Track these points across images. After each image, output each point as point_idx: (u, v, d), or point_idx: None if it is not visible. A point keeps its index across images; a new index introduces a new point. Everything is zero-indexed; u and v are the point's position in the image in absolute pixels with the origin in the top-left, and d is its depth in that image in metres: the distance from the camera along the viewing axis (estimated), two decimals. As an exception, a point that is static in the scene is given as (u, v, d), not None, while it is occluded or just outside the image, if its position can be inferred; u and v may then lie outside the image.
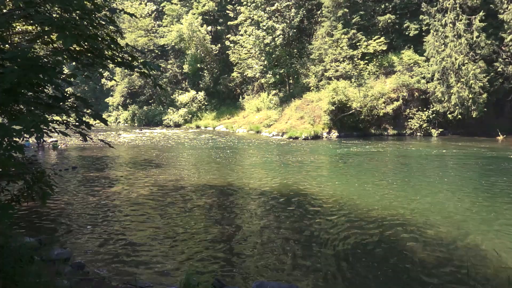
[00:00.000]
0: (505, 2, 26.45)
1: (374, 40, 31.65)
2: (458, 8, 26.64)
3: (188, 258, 6.51)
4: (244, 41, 38.34)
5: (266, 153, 20.42)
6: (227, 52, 42.51)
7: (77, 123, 4.38)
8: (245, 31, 38.90)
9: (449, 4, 26.93)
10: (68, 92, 4.56)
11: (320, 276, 5.91)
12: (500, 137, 26.55)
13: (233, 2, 44.51)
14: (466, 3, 26.60)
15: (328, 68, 32.57)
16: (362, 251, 6.80)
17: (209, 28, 45.93)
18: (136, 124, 48.55)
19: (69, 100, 4.23)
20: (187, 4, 48.98)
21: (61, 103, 4.02)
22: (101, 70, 4.71)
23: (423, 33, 30.03)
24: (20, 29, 5.91)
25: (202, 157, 19.35)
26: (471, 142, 24.22)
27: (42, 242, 6.47)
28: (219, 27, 47.62)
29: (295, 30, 35.60)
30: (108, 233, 7.72)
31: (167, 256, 6.58)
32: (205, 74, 45.95)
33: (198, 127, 42.03)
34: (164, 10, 50.16)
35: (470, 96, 25.91)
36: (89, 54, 4.15)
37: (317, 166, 16.09)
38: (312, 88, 33.91)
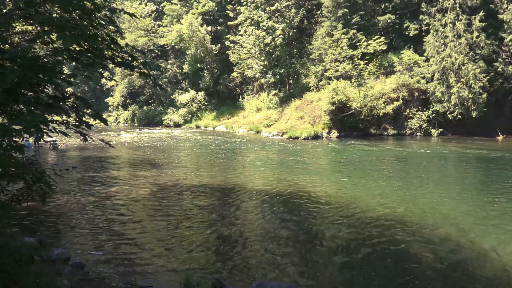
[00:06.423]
0: (505, 2, 26.43)
1: (374, 40, 31.61)
2: (458, 8, 26.61)
3: (188, 258, 6.52)
4: (244, 41, 38.30)
5: (266, 153, 20.42)
6: (227, 52, 42.45)
7: (77, 123, 4.38)
8: (245, 31, 38.84)
9: (449, 4, 26.91)
10: (68, 92, 4.56)
11: (320, 276, 5.91)
12: (500, 137, 26.52)
13: (233, 2, 44.46)
14: (466, 3, 26.57)
15: (328, 68, 32.54)
16: (362, 251, 6.80)
17: (209, 28, 45.89)
18: (136, 124, 48.54)
19: (69, 100, 4.23)
20: (187, 4, 48.94)
21: (61, 103, 4.01)
22: (101, 70, 4.71)
23: (423, 33, 29.98)
24: (20, 29, 5.91)
25: (202, 157, 19.35)
26: (471, 142, 24.20)
27: (42, 242, 6.47)
28: (219, 27, 47.58)
29: (295, 30, 35.57)
30: (108, 233, 7.72)
31: (167, 256, 6.58)
32: (205, 74, 45.93)
33: (198, 127, 42.01)
34: (164, 10, 50.12)
35: (470, 96, 25.89)
36: (89, 54, 4.14)
37: (317, 166, 16.09)
38: (312, 88, 33.89)
